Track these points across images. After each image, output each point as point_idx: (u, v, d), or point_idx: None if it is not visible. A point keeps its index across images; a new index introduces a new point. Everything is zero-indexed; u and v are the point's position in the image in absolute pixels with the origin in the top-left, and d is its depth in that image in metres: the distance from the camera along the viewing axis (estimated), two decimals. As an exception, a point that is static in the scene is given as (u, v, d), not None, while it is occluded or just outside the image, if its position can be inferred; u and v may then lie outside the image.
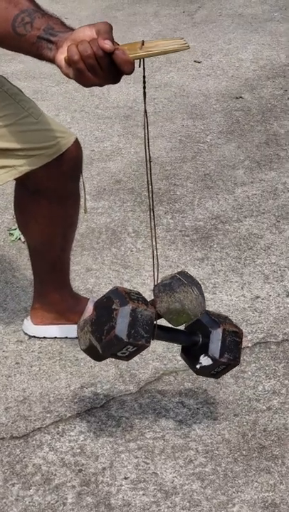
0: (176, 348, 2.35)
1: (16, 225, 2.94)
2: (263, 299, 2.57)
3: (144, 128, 1.69)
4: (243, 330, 2.41)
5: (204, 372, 1.92)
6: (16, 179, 2.02)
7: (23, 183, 2.07)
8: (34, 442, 2.06)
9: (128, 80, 4.30)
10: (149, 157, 1.69)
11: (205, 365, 1.89)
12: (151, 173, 1.71)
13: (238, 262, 2.76)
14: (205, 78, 4.30)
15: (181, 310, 1.81)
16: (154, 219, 1.77)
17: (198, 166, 3.41)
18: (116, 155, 3.52)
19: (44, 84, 4.25)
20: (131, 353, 1.80)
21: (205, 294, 2.56)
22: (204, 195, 3.19)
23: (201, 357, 1.89)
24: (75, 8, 5.49)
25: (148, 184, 1.71)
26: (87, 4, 5.56)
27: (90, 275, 2.70)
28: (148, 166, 1.70)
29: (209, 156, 3.49)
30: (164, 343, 2.37)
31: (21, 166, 1.97)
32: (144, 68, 1.58)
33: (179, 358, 2.31)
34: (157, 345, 2.37)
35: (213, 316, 1.92)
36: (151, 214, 1.75)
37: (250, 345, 2.38)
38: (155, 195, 3.18)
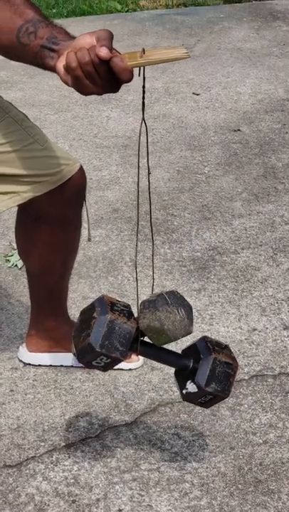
0: (173, 379, 2.33)
1: (13, 251, 2.94)
2: (260, 332, 2.56)
3: (141, 134, 1.66)
4: (240, 362, 2.40)
5: (190, 398, 1.85)
6: (18, 205, 2.01)
7: (25, 209, 2.06)
8: (28, 471, 2.04)
9: (127, 110, 4.36)
10: (148, 168, 1.68)
11: (190, 392, 1.83)
12: (149, 183, 1.69)
13: (235, 294, 2.75)
14: (203, 110, 4.31)
15: (161, 330, 1.76)
16: (151, 229, 1.76)
17: (195, 196, 3.41)
18: (114, 184, 3.52)
19: (43, 112, 4.26)
20: (106, 364, 1.76)
21: (202, 325, 2.57)
22: (202, 226, 3.19)
23: (188, 383, 1.83)
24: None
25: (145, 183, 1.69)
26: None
27: (87, 303, 2.65)
28: (148, 170, 1.69)
29: (207, 188, 3.49)
30: (160, 373, 2.36)
31: (25, 193, 1.96)
32: (144, 77, 1.53)
33: (175, 389, 2.30)
34: (153, 376, 2.36)
35: (209, 343, 1.86)
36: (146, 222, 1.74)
37: (246, 377, 2.36)
38: (152, 225, 3.17)
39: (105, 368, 1.78)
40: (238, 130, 4.07)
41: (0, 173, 1.93)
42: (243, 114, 4.27)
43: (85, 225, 2.20)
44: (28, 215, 2.08)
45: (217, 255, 2.99)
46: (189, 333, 1.81)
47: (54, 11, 6.02)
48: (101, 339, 1.71)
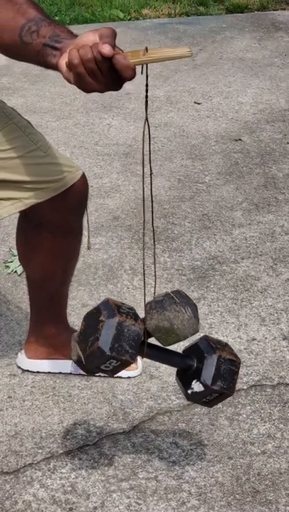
0: (172, 387, 2.33)
1: (12, 257, 2.94)
2: (259, 342, 2.56)
3: (144, 136, 1.64)
4: (239, 372, 2.39)
5: (195, 398, 1.84)
6: (19, 211, 2.01)
7: (26, 215, 2.06)
8: (25, 478, 2.03)
9: (128, 118, 4.36)
10: (151, 170, 1.67)
11: (196, 391, 1.81)
12: (151, 185, 1.67)
13: (235, 304, 2.75)
14: (205, 119, 4.32)
15: (170, 329, 1.75)
16: (153, 230, 1.75)
17: (196, 205, 3.41)
18: (114, 192, 3.52)
19: (44, 119, 4.26)
20: (115, 367, 1.74)
21: (201, 334, 2.55)
22: (202, 235, 3.19)
23: (193, 382, 1.82)
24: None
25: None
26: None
27: (86, 311, 2.65)
28: (150, 171, 1.67)
29: (207, 197, 3.49)
30: (158, 382, 2.35)
31: (27, 199, 1.96)
32: (146, 75, 1.51)
33: (174, 397, 2.30)
34: (152, 384, 2.35)
35: (211, 342, 1.85)
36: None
37: (245, 387, 2.36)
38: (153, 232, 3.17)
39: (113, 371, 1.76)
40: (239, 140, 4.07)
41: (2, 179, 1.93)
42: (244, 123, 4.27)
43: (85, 232, 2.19)
44: (29, 222, 2.08)
45: (217, 264, 2.98)
46: (197, 331, 1.80)
47: (57, 18, 6.03)
48: (111, 342, 1.69)
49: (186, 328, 1.77)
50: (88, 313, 1.81)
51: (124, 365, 1.74)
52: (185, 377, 1.86)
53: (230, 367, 1.82)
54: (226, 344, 1.89)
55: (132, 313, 1.76)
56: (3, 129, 1.92)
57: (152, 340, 1.81)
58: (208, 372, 1.80)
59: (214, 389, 1.80)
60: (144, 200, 1.65)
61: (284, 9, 6.43)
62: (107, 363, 1.72)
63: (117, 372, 1.77)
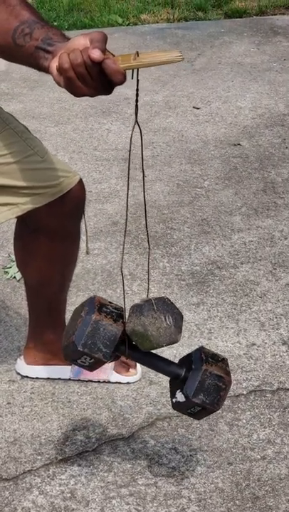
0: (171, 393, 2.32)
1: (11, 263, 2.93)
2: (258, 347, 2.55)
3: (135, 137, 1.64)
4: (238, 377, 2.39)
5: (179, 408, 1.83)
6: (17, 217, 2.00)
7: (23, 221, 2.05)
8: (24, 485, 2.02)
9: (127, 123, 4.36)
10: (143, 174, 1.67)
11: (179, 401, 1.81)
12: (144, 178, 1.68)
13: (234, 309, 2.75)
14: (203, 124, 4.32)
15: (144, 335, 1.75)
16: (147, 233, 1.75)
17: (195, 210, 3.41)
18: (113, 197, 3.52)
19: (43, 125, 4.26)
20: (91, 363, 1.77)
21: (200, 340, 2.56)
22: (201, 240, 3.18)
23: (177, 392, 1.82)
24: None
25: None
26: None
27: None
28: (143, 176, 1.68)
29: (206, 202, 3.49)
30: (158, 388, 2.35)
31: (24, 204, 1.95)
32: (137, 80, 1.52)
33: (173, 403, 2.29)
34: (151, 390, 2.35)
35: (204, 354, 1.84)
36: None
37: (245, 392, 2.35)
38: (152, 238, 3.17)
39: (91, 367, 1.79)
40: (238, 144, 4.07)
41: (-1, 185, 1.93)
42: (243, 128, 4.27)
43: (83, 237, 2.19)
44: (26, 227, 2.08)
45: (216, 269, 2.98)
46: (175, 341, 1.78)
47: (55, 23, 6.03)
48: (84, 338, 1.73)
49: (162, 336, 1.76)
50: (76, 308, 1.84)
51: (99, 363, 1.76)
52: (173, 386, 1.86)
53: (216, 382, 1.80)
54: (223, 359, 1.86)
55: (114, 314, 1.77)
56: (0, 135, 1.91)
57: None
58: (191, 384, 1.79)
59: (195, 402, 1.79)
60: (146, 204, 1.65)
61: (283, 14, 6.43)
62: (82, 358, 1.75)
63: (95, 368, 1.79)
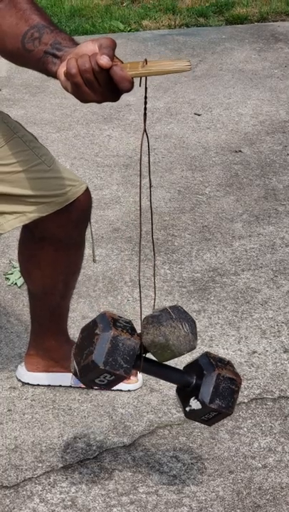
0: (172, 401, 2.32)
1: (12, 269, 2.93)
2: (259, 354, 2.55)
3: (143, 144, 1.63)
4: (239, 391, 2.38)
5: (194, 416, 1.82)
6: (23, 225, 2.00)
7: (29, 229, 2.05)
8: (25, 493, 2.02)
9: (128, 130, 4.36)
10: (150, 183, 1.67)
11: (194, 409, 1.80)
12: (151, 196, 1.67)
13: (235, 316, 2.74)
14: (205, 131, 4.32)
15: (166, 345, 1.73)
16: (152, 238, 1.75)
17: (196, 217, 3.41)
18: (114, 203, 3.52)
19: (44, 131, 4.26)
20: (110, 381, 1.73)
21: (201, 347, 2.55)
22: (202, 246, 3.18)
23: (192, 400, 1.80)
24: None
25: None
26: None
27: (86, 323, 2.66)
28: (150, 184, 1.68)
29: (208, 208, 3.49)
30: (159, 395, 2.34)
31: (31, 213, 1.95)
32: (146, 87, 1.51)
33: (174, 411, 2.29)
34: (152, 398, 2.34)
35: (212, 359, 1.83)
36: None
37: (246, 400, 2.35)
38: (153, 244, 3.16)
39: (108, 386, 1.75)
40: (239, 151, 4.07)
41: (6, 193, 1.93)
42: (244, 135, 4.27)
43: (88, 245, 2.18)
44: (32, 235, 2.08)
45: (217, 276, 2.98)
46: (193, 348, 1.78)
47: (57, 29, 6.03)
48: (105, 356, 1.68)
49: (182, 344, 1.75)
50: (85, 326, 1.80)
51: (119, 379, 1.73)
52: (184, 394, 1.84)
53: (229, 385, 1.80)
54: (228, 362, 1.86)
55: (128, 327, 1.75)
56: (8, 143, 1.91)
57: (149, 355, 1.80)
58: (207, 390, 1.78)
59: (212, 407, 1.78)
60: (147, 209, 1.65)
61: (284, 20, 6.43)
62: (101, 376, 1.71)
63: (112, 386, 1.76)
